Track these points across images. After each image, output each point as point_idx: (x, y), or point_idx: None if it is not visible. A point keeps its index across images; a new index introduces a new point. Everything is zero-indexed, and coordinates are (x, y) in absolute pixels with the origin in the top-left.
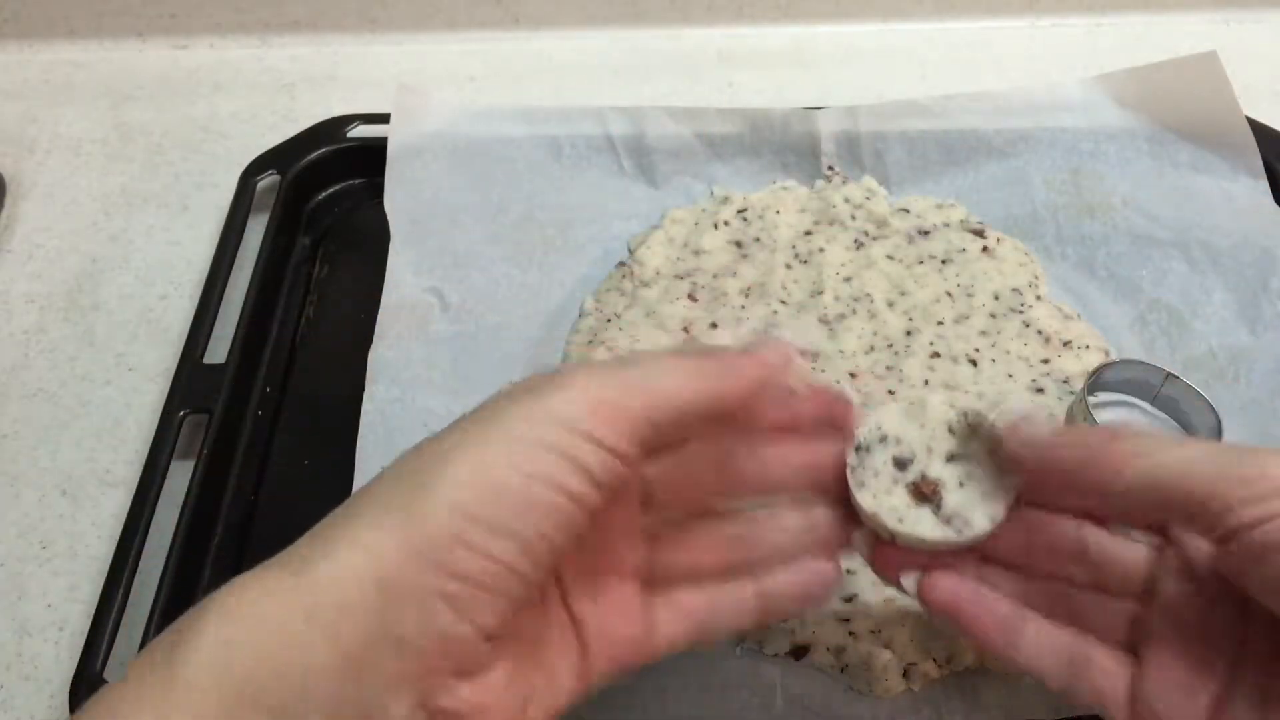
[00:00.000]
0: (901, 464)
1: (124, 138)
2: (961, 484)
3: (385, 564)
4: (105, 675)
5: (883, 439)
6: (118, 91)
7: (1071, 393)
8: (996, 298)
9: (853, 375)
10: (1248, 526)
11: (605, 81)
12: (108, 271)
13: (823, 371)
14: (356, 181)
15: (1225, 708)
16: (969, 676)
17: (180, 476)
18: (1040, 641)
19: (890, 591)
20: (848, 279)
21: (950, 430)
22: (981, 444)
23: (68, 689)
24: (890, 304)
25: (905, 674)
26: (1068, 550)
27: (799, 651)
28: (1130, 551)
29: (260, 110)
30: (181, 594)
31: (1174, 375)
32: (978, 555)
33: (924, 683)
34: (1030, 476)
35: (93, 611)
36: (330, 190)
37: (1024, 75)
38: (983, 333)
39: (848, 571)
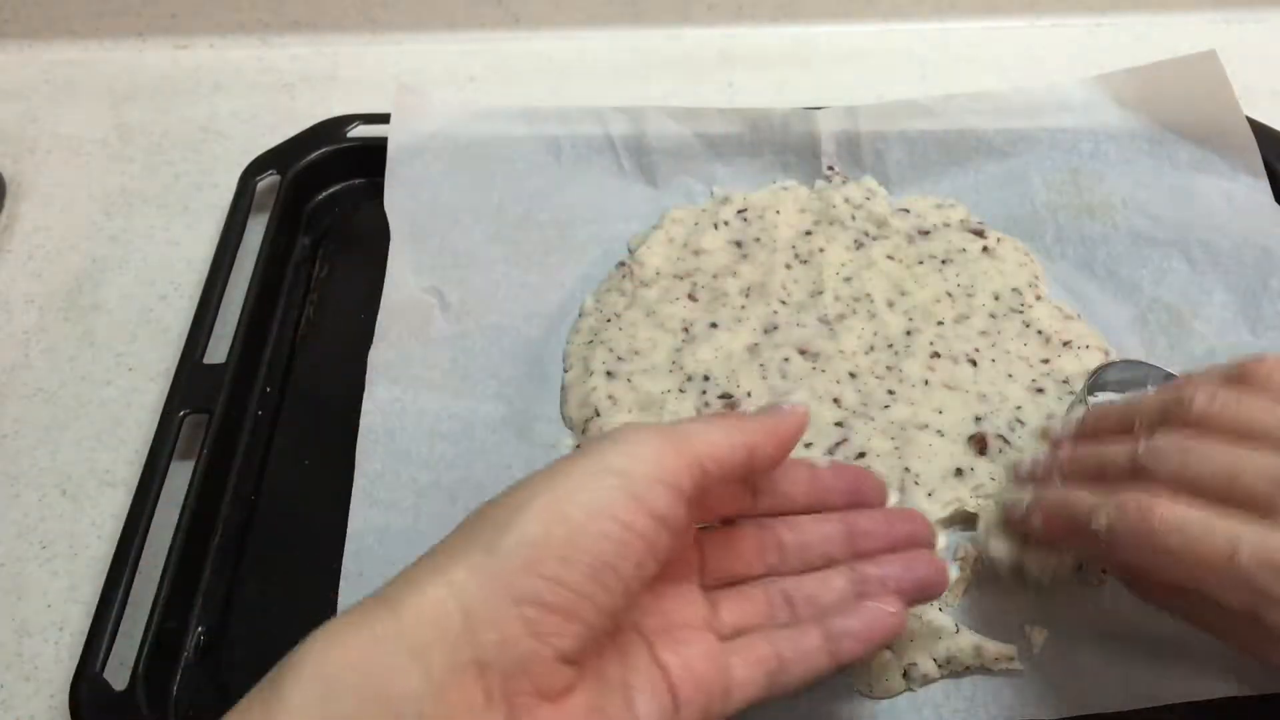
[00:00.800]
0: None
1: (124, 138)
2: None
3: (467, 595)
4: (105, 675)
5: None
6: (118, 91)
7: (1071, 393)
8: (996, 298)
9: (852, 375)
10: None
11: (605, 81)
12: (108, 271)
13: (823, 372)
14: (356, 181)
15: None
16: (969, 676)
17: (180, 476)
18: None
19: None
20: (848, 279)
21: None
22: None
23: (68, 689)
24: (890, 304)
25: (905, 674)
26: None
27: None
28: None
29: (260, 110)
30: (181, 594)
31: (1174, 375)
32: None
33: (924, 683)
34: None
35: (93, 611)
36: (330, 190)
37: (1024, 75)
38: (983, 333)
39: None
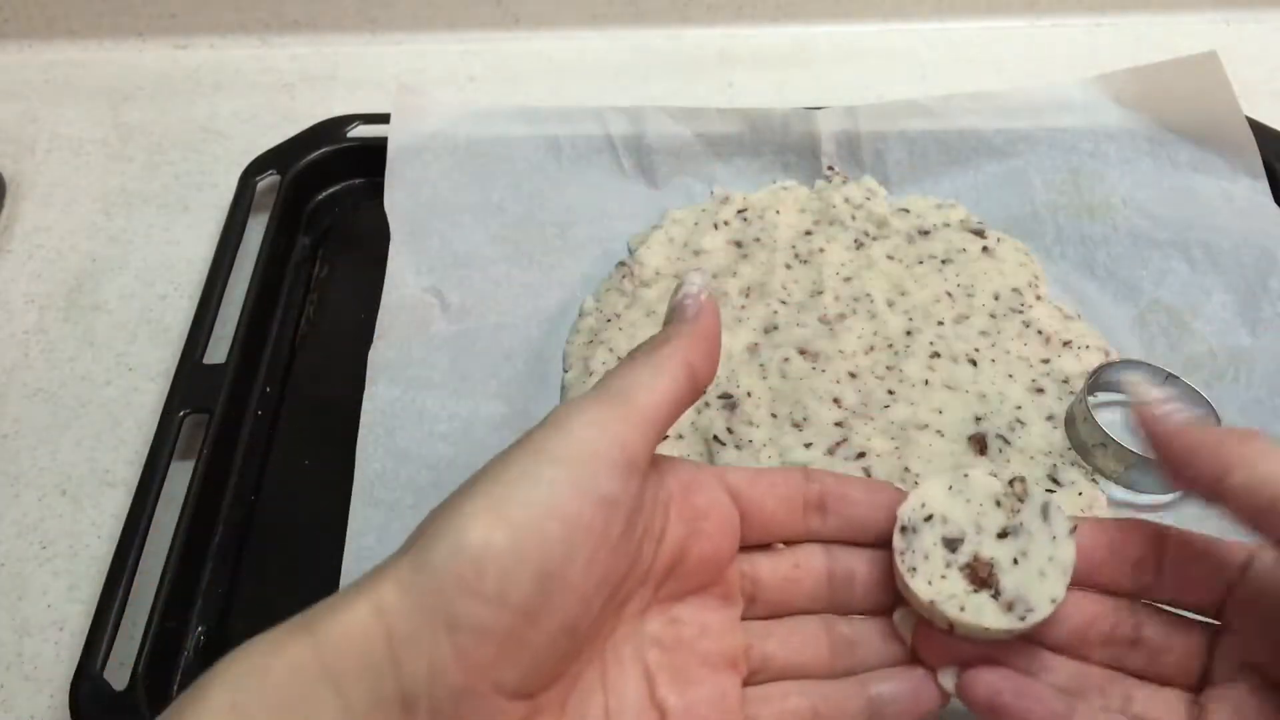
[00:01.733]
0: (951, 544)
1: (124, 138)
2: (1016, 561)
3: (393, 617)
4: (105, 675)
5: (928, 518)
6: (118, 91)
7: (1071, 393)
8: (996, 298)
9: (852, 375)
10: None
11: (605, 81)
12: (108, 271)
13: (823, 372)
14: (356, 181)
15: None
16: None
17: (180, 476)
18: None
19: None
20: (848, 279)
21: (997, 503)
22: (1031, 513)
23: (68, 689)
24: (890, 304)
25: None
26: (1122, 636)
27: None
28: (1186, 638)
29: (260, 110)
30: (181, 594)
31: (1174, 375)
32: (1032, 641)
33: None
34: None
35: (93, 611)
36: (330, 190)
37: (1024, 75)
38: (983, 333)
39: None
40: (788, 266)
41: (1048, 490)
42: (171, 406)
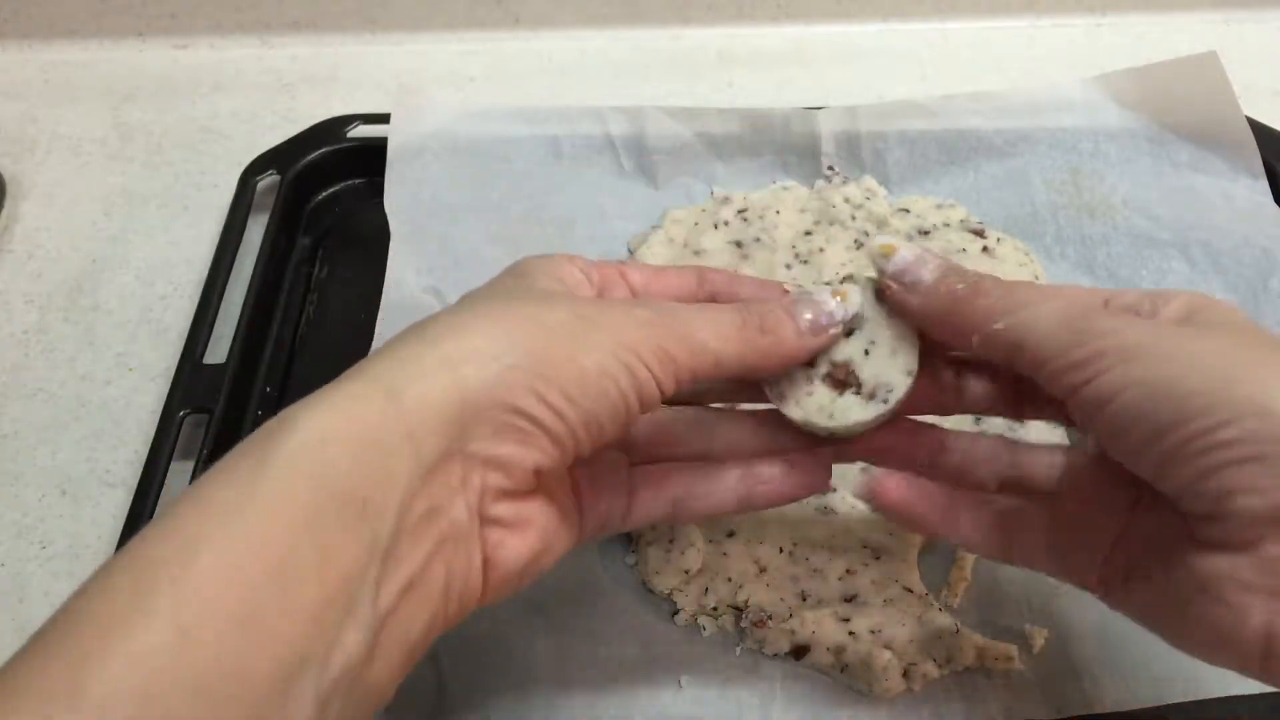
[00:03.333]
0: (809, 360)
1: (124, 138)
2: (867, 352)
3: (470, 392)
4: None
5: None
6: (118, 91)
7: None
8: None
9: None
10: (1079, 385)
11: (605, 81)
12: (108, 271)
13: None
14: (356, 181)
15: (1104, 578)
16: (969, 676)
17: (180, 476)
18: (974, 523)
19: (891, 592)
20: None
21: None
22: (866, 301)
23: None
24: None
25: (905, 674)
26: (991, 464)
27: (799, 651)
28: (1046, 459)
29: (260, 110)
30: None
31: None
32: (913, 464)
33: (924, 683)
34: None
35: None
36: (330, 190)
37: (1024, 75)
38: None
39: (847, 571)
40: (788, 267)
41: None
42: (171, 406)
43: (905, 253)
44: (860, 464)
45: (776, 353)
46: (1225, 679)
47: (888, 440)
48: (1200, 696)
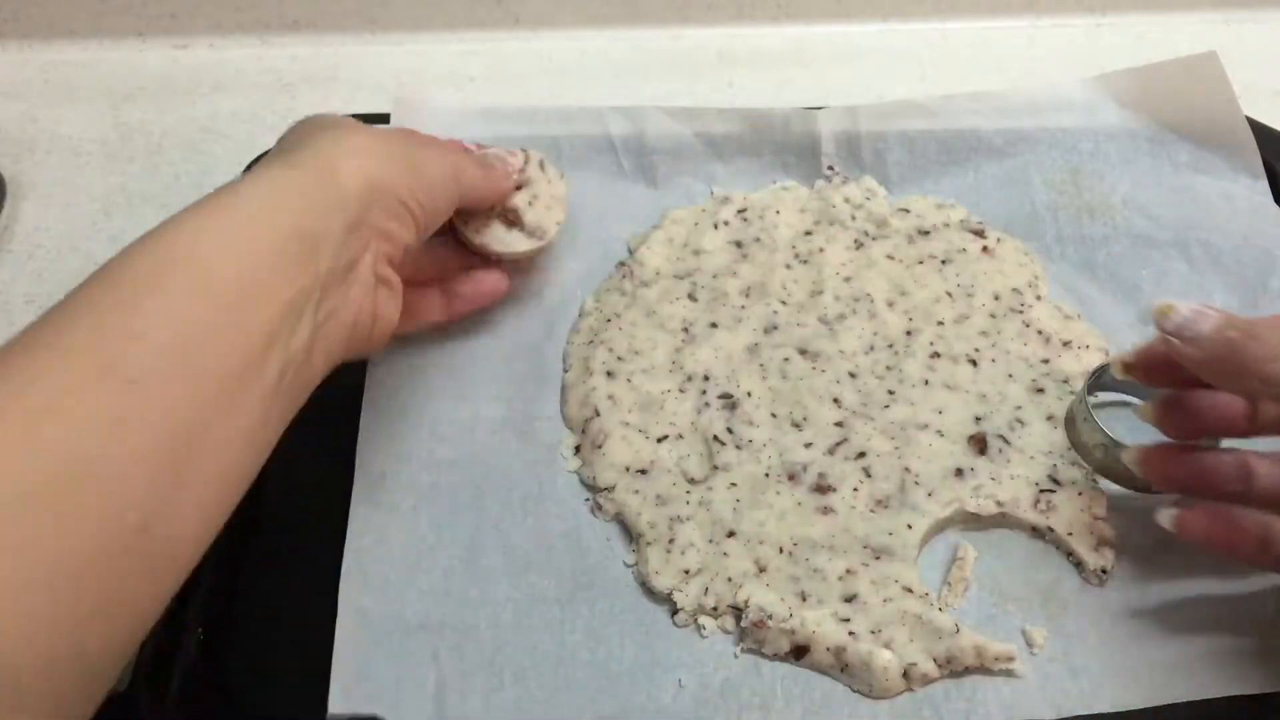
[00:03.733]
0: (491, 206)
1: (124, 138)
2: (530, 204)
3: (372, 175)
4: None
5: None
6: (118, 91)
7: (1071, 393)
8: (996, 298)
9: (852, 375)
10: None
11: (605, 81)
12: None
13: (823, 372)
14: None
15: None
16: (969, 676)
17: None
18: None
19: (891, 592)
20: (848, 279)
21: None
22: (533, 169)
23: None
24: (890, 304)
25: (905, 674)
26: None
27: (799, 651)
28: None
29: (260, 110)
30: (181, 594)
31: None
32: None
33: (924, 683)
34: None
35: None
36: None
37: (1024, 75)
38: (983, 333)
39: (847, 571)
40: (788, 266)
41: (1045, 491)
42: None
43: (1184, 309)
44: (1174, 497)
45: (500, 187)
46: (1225, 679)
47: (1194, 469)
48: (1200, 696)
